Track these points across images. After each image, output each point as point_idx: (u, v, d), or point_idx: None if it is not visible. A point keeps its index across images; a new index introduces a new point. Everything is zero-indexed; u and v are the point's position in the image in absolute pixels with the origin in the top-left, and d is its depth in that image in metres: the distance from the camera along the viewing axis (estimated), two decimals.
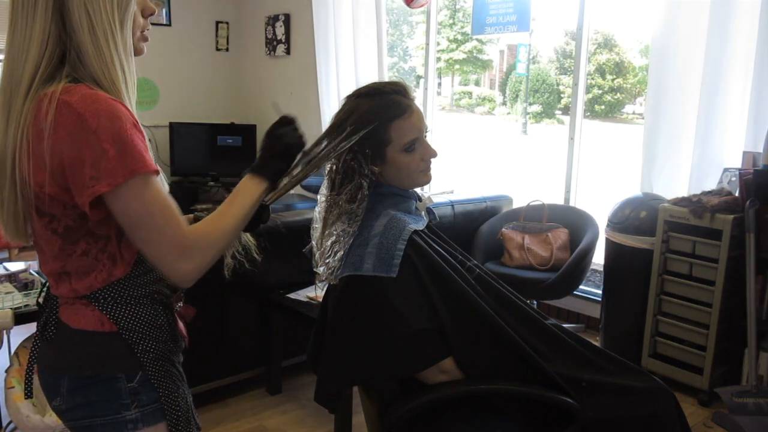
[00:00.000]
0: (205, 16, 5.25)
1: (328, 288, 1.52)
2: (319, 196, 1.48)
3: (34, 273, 2.50)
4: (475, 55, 18.99)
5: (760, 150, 2.70)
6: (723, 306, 2.66)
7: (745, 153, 2.79)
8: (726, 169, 2.91)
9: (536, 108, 18.32)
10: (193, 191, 4.72)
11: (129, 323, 1.05)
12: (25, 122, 0.97)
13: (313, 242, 1.47)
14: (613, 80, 17.92)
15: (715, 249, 2.64)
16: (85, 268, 1.03)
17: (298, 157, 1.19)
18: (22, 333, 2.42)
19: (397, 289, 1.34)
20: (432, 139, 1.51)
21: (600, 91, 17.82)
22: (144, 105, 4.91)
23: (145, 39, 1.10)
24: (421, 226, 1.46)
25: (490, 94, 20.22)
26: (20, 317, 2.19)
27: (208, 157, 5.00)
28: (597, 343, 2.68)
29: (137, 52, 1.08)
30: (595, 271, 3.64)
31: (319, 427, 2.55)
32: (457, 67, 19.26)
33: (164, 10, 4.96)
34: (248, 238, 1.27)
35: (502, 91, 19.94)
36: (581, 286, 3.50)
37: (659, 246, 2.83)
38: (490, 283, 1.50)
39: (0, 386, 2.44)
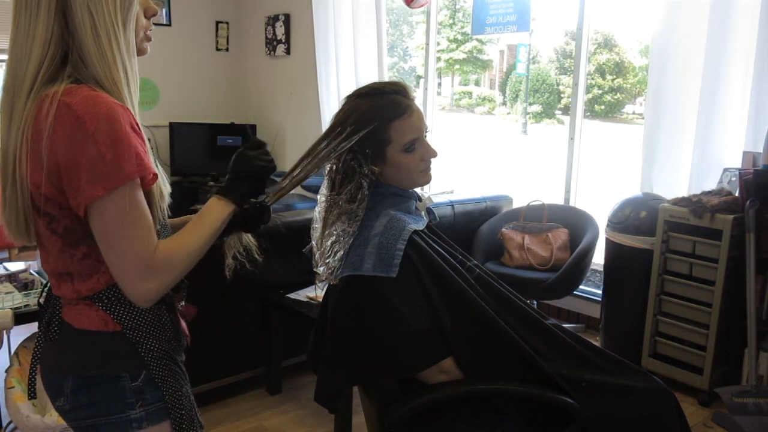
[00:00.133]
0: (205, 16, 5.25)
1: (328, 288, 1.52)
2: (319, 196, 1.48)
3: (34, 273, 2.50)
4: (475, 55, 18.99)
5: (760, 150, 2.70)
6: (723, 306, 2.66)
7: (745, 153, 2.79)
8: (726, 169, 2.91)
9: (536, 108, 18.33)
10: (193, 191, 4.72)
11: (133, 323, 1.05)
12: (26, 122, 0.97)
13: (313, 242, 1.47)
14: (613, 80, 17.92)
15: (715, 249, 2.64)
16: (87, 271, 1.03)
17: (276, 183, 1.18)
18: (22, 333, 2.42)
19: (397, 289, 1.34)
20: (432, 139, 1.51)
21: (600, 91, 17.83)
22: (144, 105, 4.91)
23: (148, 39, 1.10)
24: (421, 226, 1.46)
25: (490, 94, 20.22)
26: (20, 317, 2.19)
27: (208, 157, 5.00)
28: (597, 343, 2.68)
29: (140, 52, 1.08)
30: (595, 271, 3.64)
31: (319, 427, 2.55)
32: (457, 67, 19.26)
33: (164, 10, 4.96)
34: (249, 238, 1.26)
35: (502, 91, 19.94)
36: (581, 286, 3.50)
37: (659, 246, 2.83)
38: (490, 283, 1.50)
39: (0, 386, 2.44)
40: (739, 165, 2.82)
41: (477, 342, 1.39)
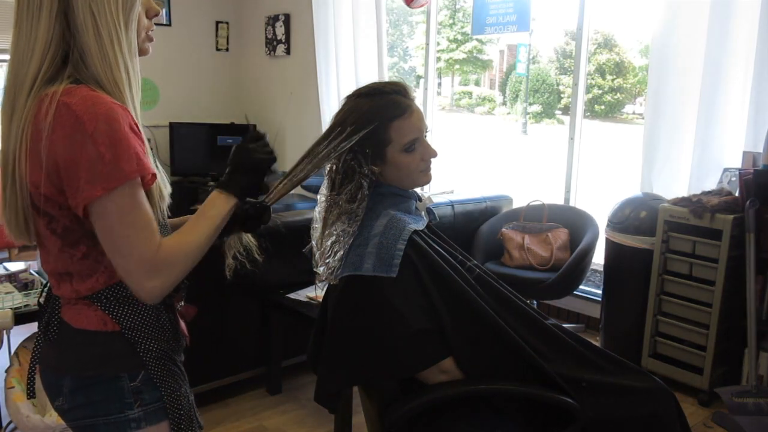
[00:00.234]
0: (205, 16, 5.25)
1: (328, 288, 1.52)
2: (319, 196, 1.48)
3: (34, 273, 2.50)
4: (475, 55, 18.99)
5: (760, 150, 2.70)
6: (723, 306, 2.66)
7: (745, 153, 2.79)
8: (726, 169, 2.91)
9: (536, 108, 18.33)
10: (193, 191, 4.72)
11: (131, 323, 1.05)
12: (26, 122, 0.97)
13: (313, 242, 1.47)
14: (613, 80, 17.93)
15: (715, 249, 2.64)
16: (86, 271, 1.03)
17: (279, 175, 1.18)
18: (22, 333, 2.42)
19: (397, 289, 1.34)
20: (432, 139, 1.51)
21: (600, 91, 17.83)
22: (144, 105, 4.82)
23: (150, 39, 1.10)
24: (421, 226, 1.46)
25: (490, 94, 20.22)
26: (20, 317, 2.19)
27: (208, 157, 5.00)
28: (597, 343, 2.68)
29: (142, 52, 1.08)
30: (595, 271, 3.64)
31: (319, 427, 2.55)
32: (457, 67, 19.26)
33: (164, 10, 4.96)
34: (249, 238, 1.26)
35: (502, 91, 19.94)
36: (581, 286, 3.50)
37: (659, 246, 2.83)
38: (490, 283, 1.50)
39: (0, 386, 2.44)
40: (739, 165, 2.82)
41: (477, 342, 1.39)
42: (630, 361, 1.52)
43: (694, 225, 2.70)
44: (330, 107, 4.47)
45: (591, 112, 16.92)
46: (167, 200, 1.09)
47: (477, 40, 17.44)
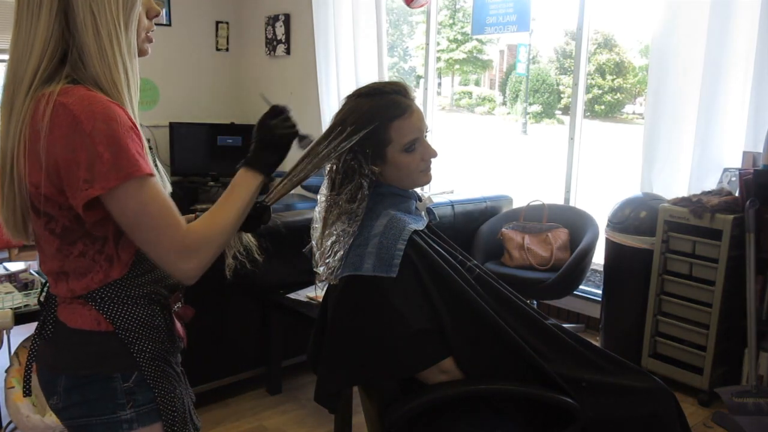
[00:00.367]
0: (205, 16, 5.25)
1: (328, 288, 1.52)
2: (319, 196, 1.48)
3: (34, 273, 2.50)
4: (475, 55, 18.99)
5: (760, 150, 2.70)
6: (723, 306, 2.66)
7: (745, 153, 2.79)
8: (726, 169, 2.91)
9: (536, 108, 18.33)
10: (193, 191, 4.72)
11: (125, 323, 1.05)
12: (23, 122, 0.97)
13: (313, 242, 1.47)
14: (613, 80, 17.93)
15: (715, 249, 2.64)
16: (82, 269, 1.03)
17: (296, 143, 1.18)
18: (22, 333, 2.42)
19: (397, 289, 1.34)
20: (432, 139, 1.51)
21: (600, 91, 17.83)
22: (144, 105, 4.91)
23: (150, 40, 1.10)
24: (421, 226, 1.46)
25: (490, 94, 20.22)
26: (20, 317, 2.19)
27: (208, 157, 4.99)
28: (597, 343, 2.68)
29: (142, 53, 1.08)
30: (595, 271, 3.64)
31: (319, 427, 2.55)
32: (457, 67, 19.26)
33: (164, 10, 4.96)
34: (249, 238, 1.26)
35: (502, 91, 19.94)
36: (581, 286, 3.50)
37: (659, 246, 2.83)
38: (490, 283, 1.50)
39: (0, 386, 2.44)
40: (739, 165, 2.82)
41: (477, 342, 1.39)
42: (630, 361, 1.52)
43: (694, 225, 2.70)
44: (330, 107, 4.47)
45: (591, 112, 16.92)
46: None
47: (477, 40, 17.44)
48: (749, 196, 2.57)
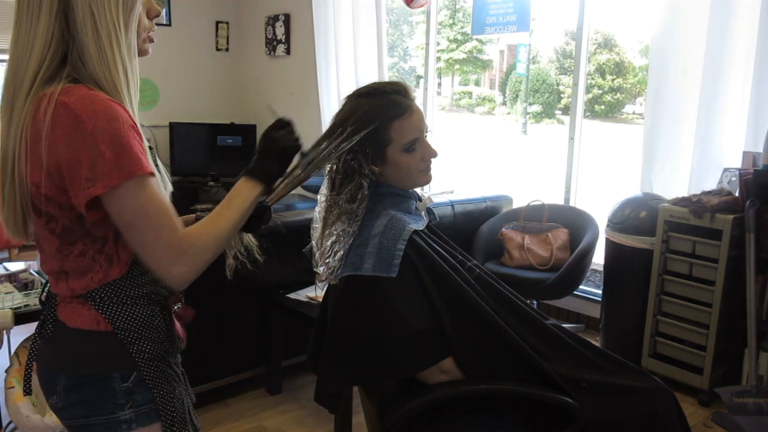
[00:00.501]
0: (205, 16, 5.25)
1: (328, 288, 1.52)
2: (319, 196, 1.48)
3: (34, 273, 2.50)
4: (475, 55, 18.99)
5: (760, 150, 2.70)
6: (723, 306, 2.66)
7: (745, 153, 2.79)
8: (726, 169, 2.91)
9: (536, 108, 18.33)
10: (193, 191, 4.72)
11: (124, 323, 1.05)
12: (25, 122, 0.97)
13: (313, 242, 1.47)
14: (613, 80, 17.93)
15: (715, 249, 2.64)
16: (82, 269, 1.03)
17: (298, 158, 1.19)
18: (22, 333, 2.42)
19: (397, 289, 1.34)
20: (432, 139, 1.51)
21: (600, 91, 17.83)
22: (144, 105, 4.91)
23: (151, 40, 1.10)
24: (421, 226, 1.46)
25: (490, 94, 20.22)
26: (20, 317, 2.19)
27: (208, 157, 5.00)
28: (597, 343, 2.68)
29: (142, 53, 1.08)
30: (595, 271, 3.64)
31: (319, 427, 2.55)
32: (457, 67, 19.26)
33: (164, 10, 4.96)
34: (250, 239, 1.26)
35: (502, 91, 19.94)
36: (581, 286, 3.50)
37: (659, 246, 2.83)
38: (490, 283, 1.50)
39: (0, 386, 2.44)
40: (739, 165, 2.82)
41: (477, 342, 1.39)
42: (630, 361, 1.52)
43: (694, 225, 2.70)
44: (330, 107, 4.47)
45: (591, 112, 16.92)
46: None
47: (477, 40, 17.43)
48: (749, 196, 2.57)
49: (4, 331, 2.27)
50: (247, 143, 4.92)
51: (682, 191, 2.99)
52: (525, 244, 3.33)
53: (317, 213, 1.48)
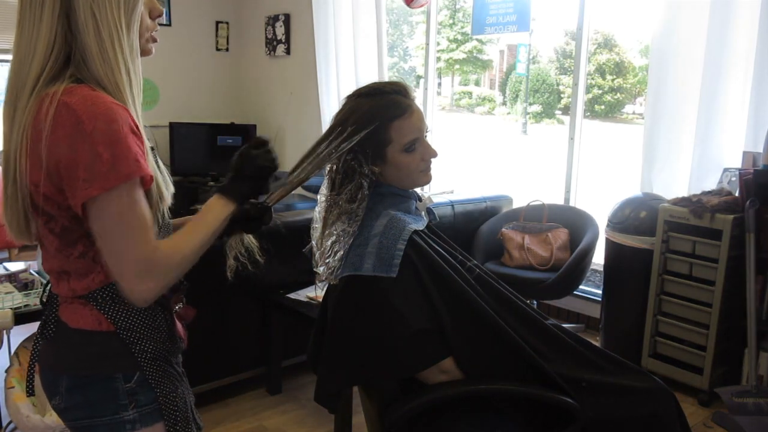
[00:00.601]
0: (205, 16, 5.25)
1: (328, 288, 1.52)
2: (319, 196, 1.48)
3: (34, 273, 2.50)
4: (475, 55, 18.98)
5: (760, 150, 2.70)
6: (723, 306, 2.66)
7: (745, 153, 2.79)
8: (726, 169, 2.91)
9: (536, 108, 18.32)
10: (193, 191, 4.72)
11: (126, 323, 1.05)
12: (27, 121, 0.97)
13: (313, 242, 1.47)
14: (613, 80, 17.92)
15: (715, 249, 2.64)
16: (83, 270, 1.03)
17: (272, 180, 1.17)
18: (22, 333, 2.42)
19: (397, 289, 1.34)
20: (432, 139, 1.51)
21: (600, 91, 17.82)
22: (144, 105, 4.81)
23: (154, 40, 1.09)
24: (421, 226, 1.46)
25: (490, 94, 20.22)
26: (20, 317, 2.19)
27: (208, 157, 5.00)
28: (597, 343, 2.68)
29: (145, 53, 1.07)
30: (595, 271, 3.64)
31: (319, 427, 2.55)
32: (457, 67, 19.25)
33: (164, 10, 4.96)
34: (251, 240, 1.26)
35: (502, 91, 19.94)
36: (581, 286, 3.50)
37: (659, 246, 2.83)
38: (490, 283, 1.50)
39: (0, 386, 2.44)
40: (739, 165, 2.82)
41: (477, 342, 1.39)
42: (630, 361, 1.52)
43: (694, 225, 2.70)
44: (330, 107, 4.47)
45: (591, 112, 16.91)
46: (168, 201, 1.09)
47: (477, 40, 17.43)
48: (749, 196, 2.57)
49: (4, 331, 2.27)
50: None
51: (682, 191, 2.99)
52: (525, 244, 3.33)
53: (317, 213, 1.48)
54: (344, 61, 4.36)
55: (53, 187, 0.97)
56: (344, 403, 2.25)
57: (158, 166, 1.08)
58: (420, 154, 1.45)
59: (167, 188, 1.09)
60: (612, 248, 3.07)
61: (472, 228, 3.47)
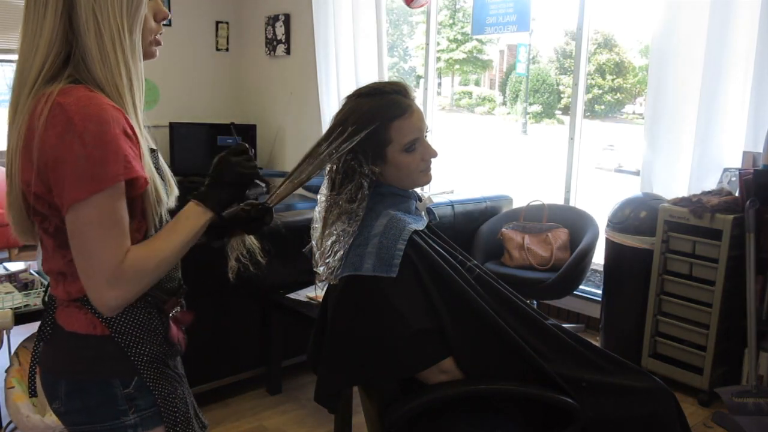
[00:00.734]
0: (205, 16, 5.25)
1: (328, 288, 1.52)
2: (319, 196, 1.48)
3: (34, 273, 2.50)
4: (475, 55, 18.97)
5: (760, 150, 2.70)
6: (723, 306, 2.66)
7: (745, 153, 2.79)
8: (726, 169, 2.91)
9: (536, 108, 18.31)
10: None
11: (121, 326, 1.04)
12: (23, 120, 0.97)
13: (313, 242, 1.47)
14: (613, 80, 17.91)
15: (715, 249, 2.64)
16: (77, 272, 1.03)
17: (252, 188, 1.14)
18: (22, 333, 2.42)
19: (397, 289, 1.34)
20: (432, 139, 1.51)
21: (600, 91, 17.81)
22: (144, 105, 4.89)
23: (158, 43, 1.08)
24: (421, 226, 1.46)
25: (490, 94, 20.21)
26: (20, 317, 2.19)
27: (208, 157, 4.96)
28: (597, 343, 2.68)
29: (149, 56, 1.06)
30: (595, 271, 3.64)
31: (319, 427, 2.55)
32: (457, 67, 19.25)
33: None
34: (252, 241, 1.25)
35: (502, 91, 19.93)
36: (581, 286, 3.50)
37: (659, 246, 2.83)
38: (490, 283, 1.50)
39: (0, 386, 2.44)
40: (739, 165, 2.82)
41: (477, 342, 1.39)
42: (630, 361, 1.52)
43: (694, 225, 2.70)
44: (330, 107, 4.47)
45: (591, 112, 16.91)
46: (167, 204, 1.07)
47: (477, 40, 17.41)
48: (749, 196, 2.57)
49: (4, 331, 2.27)
50: (247, 143, 4.92)
51: (682, 191, 2.99)
52: (525, 244, 3.33)
53: (317, 213, 1.48)
54: (344, 61, 4.36)
55: (43, 186, 0.96)
56: (344, 403, 2.25)
57: (159, 169, 1.07)
58: (420, 154, 1.45)
59: (170, 191, 1.08)
60: (612, 248, 3.07)
61: (472, 228, 3.47)
